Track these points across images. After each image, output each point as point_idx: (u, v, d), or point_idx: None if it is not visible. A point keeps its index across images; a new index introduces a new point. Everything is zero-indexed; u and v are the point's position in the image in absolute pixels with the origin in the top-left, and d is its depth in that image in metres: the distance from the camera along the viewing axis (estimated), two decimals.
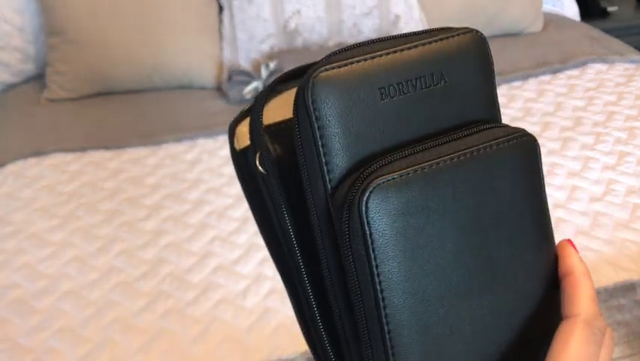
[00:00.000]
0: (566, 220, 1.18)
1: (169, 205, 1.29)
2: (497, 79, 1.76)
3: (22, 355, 0.96)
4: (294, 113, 0.31)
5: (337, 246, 0.31)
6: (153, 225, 1.23)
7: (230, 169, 1.41)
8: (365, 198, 0.29)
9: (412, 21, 1.88)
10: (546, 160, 1.37)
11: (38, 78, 1.84)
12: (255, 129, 0.34)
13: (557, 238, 0.36)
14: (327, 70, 0.31)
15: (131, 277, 1.10)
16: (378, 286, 0.30)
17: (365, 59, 0.31)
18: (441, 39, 0.33)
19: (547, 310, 0.34)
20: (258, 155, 0.34)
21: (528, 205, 0.34)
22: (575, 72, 1.78)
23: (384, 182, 0.30)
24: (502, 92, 1.71)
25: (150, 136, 1.54)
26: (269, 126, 0.35)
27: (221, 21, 1.83)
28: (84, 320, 1.02)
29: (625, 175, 1.30)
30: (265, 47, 1.78)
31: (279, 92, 0.36)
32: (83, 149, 1.50)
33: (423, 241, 0.30)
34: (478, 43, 0.35)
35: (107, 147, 1.51)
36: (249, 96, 1.68)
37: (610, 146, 1.41)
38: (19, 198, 1.33)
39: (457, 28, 0.34)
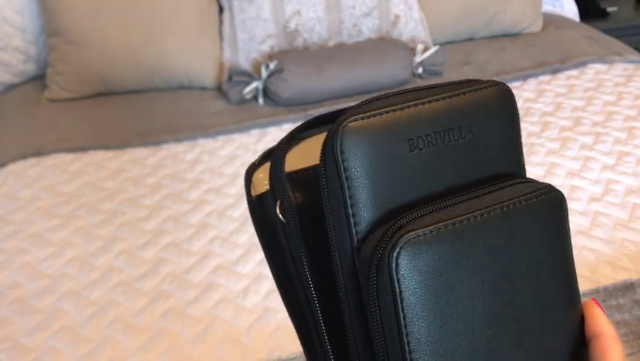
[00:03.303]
0: None
1: (169, 205, 1.29)
2: (497, 79, 1.76)
3: (23, 355, 0.96)
4: (321, 162, 0.30)
5: (362, 301, 0.30)
6: (153, 225, 1.24)
7: (230, 169, 1.41)
8: (395, 254, 0.28)
9: (412, 21, 1.88)
10: (545, 160, 1.37)
11: (39, 78, 1.85)
12: (277, 176, 0.33)
13: None
14: (356, 120, 0.30)
15: (131, 277, 1.10)
16: (406, 347, 0.29)
17: (394, 110, 0.31)
18: (469, 91, 0.33)
19: None
20: (278, 203, 0.33)
21: (556, 262, 0.34)
22: (574, 72, 1.78)
23: (414, 237, 0.29)
24: None
25: (150, 136, 1.54)
26: (290, 174, 0.34)
27: (221, 21, 1.83)
28: (84, 319, 1.02)
29: (624, 175, 1.31)
30: (265, 48, 1.78)
31: (301, 139, 0.35)
32: (83, 149, 1.50)
33: (453, 300, 0.30)
34: (505, 96, 0.35)
35: (107, 147, 1.51)
36: (249, 96, 1.69)
37: (609, 146, 1.41)
38: (20, 198, 1.33)
39: (484, 81, 0.34)
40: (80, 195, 1.34)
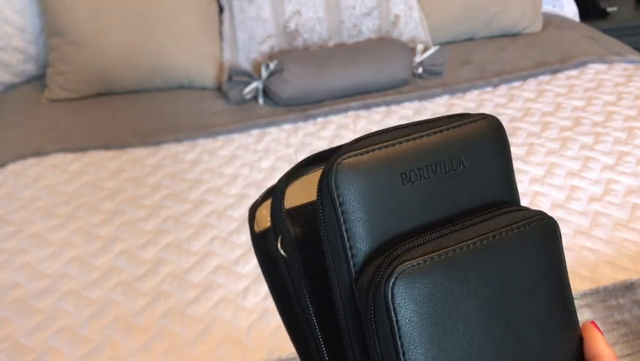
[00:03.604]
0: (565, 220, 1.18)
1: (169, 205, 1.29)
2: (497, 79, 1.77)
3: (23, 355, 0.96)
4: (317, 199, 0.32)
5: (362, 331, 0.31)
6: (153, 225, 1.24)
7: (230, 169, 1.41)
8: (390, 284, 0.29)
9: (412, 22, 1.88)
10: (545, 160, 1.37)
11: (39, 78, 1.85)
12: (277, 213, 0.35)
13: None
14: (349, 157, 0.31)
15: (131, 277, 1.10)
16: (400, 350, 0.30)
17: (387, 146, 0.32)
18: (459, 125, 0.35)
19: None
20: (279, 238, 0.35)
21: (551, 287, 0.34)
22: (574, 72, 1.78)
23: (409, 267, 0.30)
24: (502, 92, 1.71)
25: (150, 136, 1.54)
26: (290, 210, 0.35)
27: (221, 21, 1.83)
28: (84, 319, 1.02)
29: (624, 175, 1.31)
30: (265, 48, 1.78)
31: (300, 175, 0.36)
32: (83, 149, 1.50)
33: (449, 327, 0.30)
34: (495, 127, 0.36)
35: (107, 147, 1.51)
36: (249, 96, 1.69)
37: (609, 146, 1.41)
38: (20, 198, 1.33)
39: (474, 115, 0.36)
40: (80, 195, 1.34)
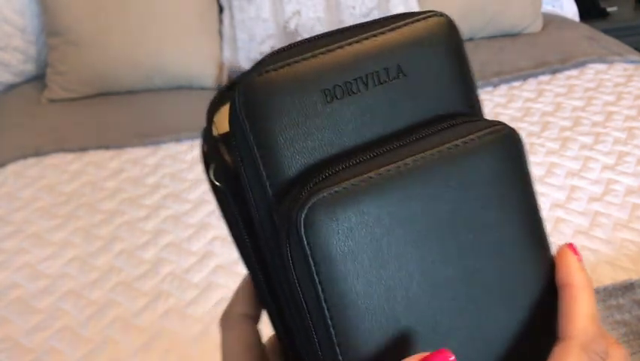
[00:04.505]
0: (565, 220, 1.18)
1: (169, 205, 1.29)
2: (496, 79, 1.76)
3: (23, 355, 0.96)
4: (230, 124, 0.28)
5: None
6: (153, 225, 1.23)
7: None
8: (303, 216, 0.26)
9: None
10: (545, 160, 1.37)
11: (39, 78, 1.85)
12: (208, 139, 0.31)
13: (558, 238, 0.34)
14: (260, 74, 0.27)
15: (131, 277, 1.10)
16: (326, 313, 0.26)
17: (305, 58, 0.28)
18: (397, 27, 0.29)
19: (544, 324, 0.31)
20: (212, 167, 0.31)
21: (514, 209, 0.30)
22: (574, 72, 1.78)
23: (326, 196, 0.26)
24: (502, 92, 1.71)
25: (150, 136, 1.54)
26: (225, 135, 0.31)
27: (221, 21, 1.83)
28: (84, 319, 1.02)
29: (624, 175, 1.31)
30: (265, 48, 1.78)
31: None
32: (83, 149, 1.50)
33: (378, 263, 0.27)
34: (443, 28, 0.30)
35: (107, 147, 1.51)
36: None
37: (609, 146, 1.41)
38: (20, 198, 1.33)
39: (418, 13, 0.30)
40: (80, 195, 1.34)
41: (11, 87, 1.85)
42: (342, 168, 0.27)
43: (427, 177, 0.28)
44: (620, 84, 1.69)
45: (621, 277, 1.03)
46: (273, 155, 0.27)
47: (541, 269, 0.31)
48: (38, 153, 1.48)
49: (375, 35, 0.29)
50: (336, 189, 0.26)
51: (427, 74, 0.30)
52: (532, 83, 1.74)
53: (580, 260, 0.31)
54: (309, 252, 0.26)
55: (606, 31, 2.09)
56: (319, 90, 0.28)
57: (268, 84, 0.27)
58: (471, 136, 0.28)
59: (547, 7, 2.26)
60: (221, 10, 1.85)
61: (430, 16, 0.30)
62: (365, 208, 0.26)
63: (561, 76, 1.77)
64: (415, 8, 1.89)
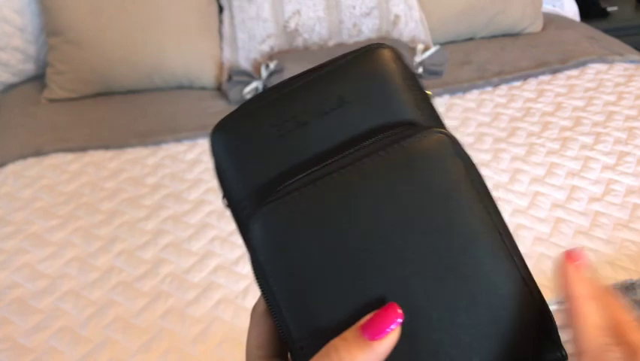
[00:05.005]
0: (565, 220, 1.18)
1: (169, 205, 1.29)
2: (497, 79, 1.76)
3: (23, 355, 0.96)
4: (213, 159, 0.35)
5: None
6: (153, 225, 1.23)
7: None
8: (252, 226, 0.32)
9: (412, 21, 1.88)
10: (546, 160, 1.37)
11: (38, 78, 1.85)
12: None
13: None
14: (225, 119, 0.35)
15: (131, 277, 1.10)
16: (274, 287, 0.32)
17: (262, 103, 0.34)
18: (339, 63, 0.35)
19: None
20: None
21: (438, 217, 0.31)
22: (574, 72, 1.78)
23: (266, 208, 0.31)
24: (502, 92, 1.71)
25: (150, 136, 1.54)
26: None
27: (221, 21, 1.83)
28: (84, 320, 1.02)
29: (624, 175, 1.31)
30: (265, 47, 1.78)
31: None
32: (83, 149, 1.50)
33: (305, 264, 0.31)
34: (379, 57, 0.35)
35: (107, 147, 1.51)
36: (248, 96, 1.68)
37: (609, 146, 1.41)
38: (19, 198, 1.33)
39: (364, 47, 0.35)
40: (80, 195, 1.34)
41: (11, 87, 1.85)
42: (290, 184, 0.32)
43: (347, 188, 0.31)
44: (620, 84, 1.69)
45: (621, 277, 1.03)
46: (236, 182, 0.34)
47: (487, 285, 0.31)
48: (38, 153, 1.48)
49: (320, 74, 0.35)
50: (275, 202, 0.32)
51: (366, 98, 0.34)
52: (532, 83, 1.74)
53: (580, 268, 0.31)
54: (259, 256, 0.32)
55: (606, 31, 2.09)
56: (270, 126, 0.34)
57: (226, 125, 0.35)
58: (392, 145, 0.32)
59: (547, 7, 2.26)
60: (221, 10, 1.85)
61: (368, 50, 0.35)
62: (295, 219, 0.31)
63: (561, 76, 1.77)
64: (415, 8, 1.89)
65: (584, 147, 1.41)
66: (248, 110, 0.34)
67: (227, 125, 0.35)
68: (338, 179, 0.31)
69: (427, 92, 0.36)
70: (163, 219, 1.25)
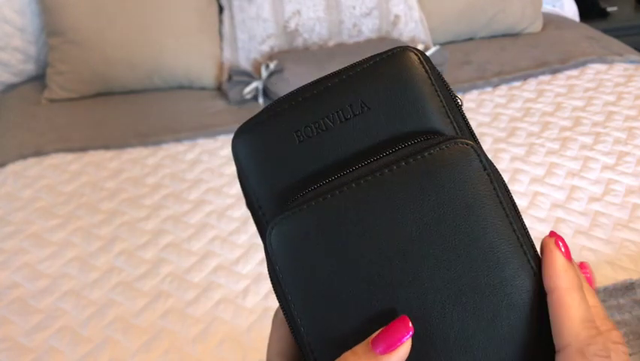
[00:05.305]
0: (565, 220, 1.18)
1: (169, 205, 1.29)
2: (497, 79, 1.77)
3: (23, 355, 0.96)
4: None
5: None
6: (153, 225, 1.24)
7: (230, 169, 1.41)
8: (270, 235, 0.32)
9: (412, 21, 1.88)
10: (545, 160, 1.37)
11: (39, 78, 1.85)
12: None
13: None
14: (246, 123, 0.34)
15: (131, 277, 1.10)
16: (292, 306, 0.32)
17: (283, 108, 0.34)
18: (361, 67, 0.34)
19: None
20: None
21: (458, 225, 0.30)
22: (574, 72, 1.78)
23: (283, 217, 0.31)
24: (502, 92, 1.71)
25: (150, 136, 1.54)
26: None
27: (221, 21, 1.83)
28: (84, 319, 1.02)
29: (624, 175, 1.31)
30: (265, 48, 1.78)
31: None
32: (83, 149, 1.50)
33: (322, 273, 0.31)
34: (404, 61, 0.33)
35: (107, 147, 1.51)
36: (249, 96, 1.68)
37: (609, 146, 1.41)
38: (20, 198, 1.33)
39: (388, 50, 0.34)
40: (80, 195, 1.34)
41: (11, 87, 1.85)
42: (307, 193, 0.32)
43: (366, 197, 0.31)
44: (620, 84, 1.69)
45: (621, 277, 1.03)
46: (259, 188, 0.34)
47: (504, 288, 0.30)
48: (38, 153, 1.48)
49: (342, 79, 0.33)
50: (292, 210, 0.31)
51: (390, 105, 0.33)
52: (532, 83, 1.74)
53: (565, 254, 0.30)
54: (276, 265, 0.32)
55: (606, 31, 2.09)
56: (292, 132, 0.33)
57: (248, 132, 0.34)
58: (414, 155, 0.31)
59: (547, 7, 2.26)
60: (221, 10, 1.85)
61: (393, 53, 0.33)
62: (311, 227, 0.31)
63: (561, 76, 1.77)
64: (415, 8, 1.89)
65: (583, 147, 1.41)
66: (269, 115, 0.34)
67: (248, 130, 0.34)
68: (356, 189, 0.31)
69: (458, 97, 0.34)
70: (163, 219, 1.25)
